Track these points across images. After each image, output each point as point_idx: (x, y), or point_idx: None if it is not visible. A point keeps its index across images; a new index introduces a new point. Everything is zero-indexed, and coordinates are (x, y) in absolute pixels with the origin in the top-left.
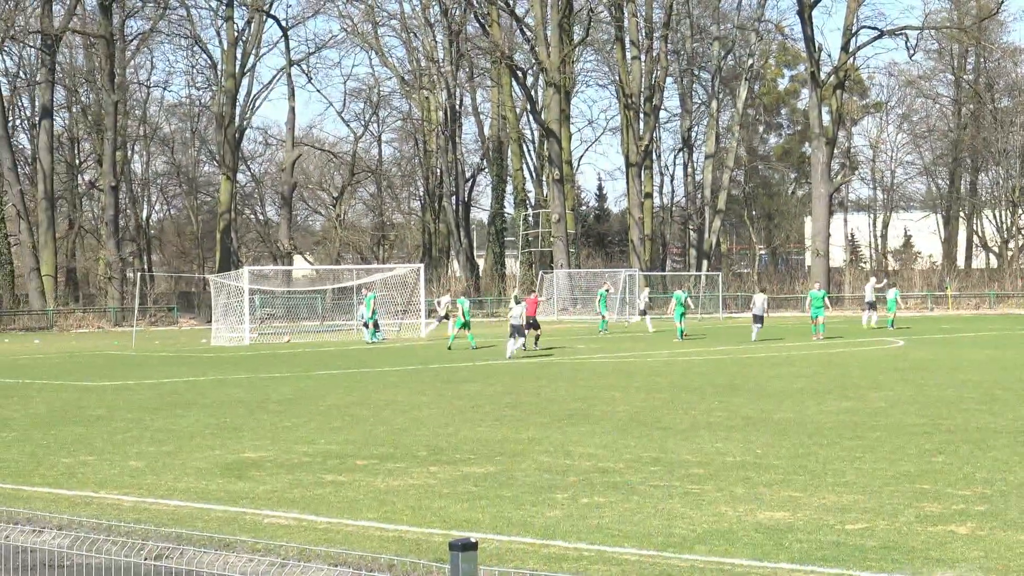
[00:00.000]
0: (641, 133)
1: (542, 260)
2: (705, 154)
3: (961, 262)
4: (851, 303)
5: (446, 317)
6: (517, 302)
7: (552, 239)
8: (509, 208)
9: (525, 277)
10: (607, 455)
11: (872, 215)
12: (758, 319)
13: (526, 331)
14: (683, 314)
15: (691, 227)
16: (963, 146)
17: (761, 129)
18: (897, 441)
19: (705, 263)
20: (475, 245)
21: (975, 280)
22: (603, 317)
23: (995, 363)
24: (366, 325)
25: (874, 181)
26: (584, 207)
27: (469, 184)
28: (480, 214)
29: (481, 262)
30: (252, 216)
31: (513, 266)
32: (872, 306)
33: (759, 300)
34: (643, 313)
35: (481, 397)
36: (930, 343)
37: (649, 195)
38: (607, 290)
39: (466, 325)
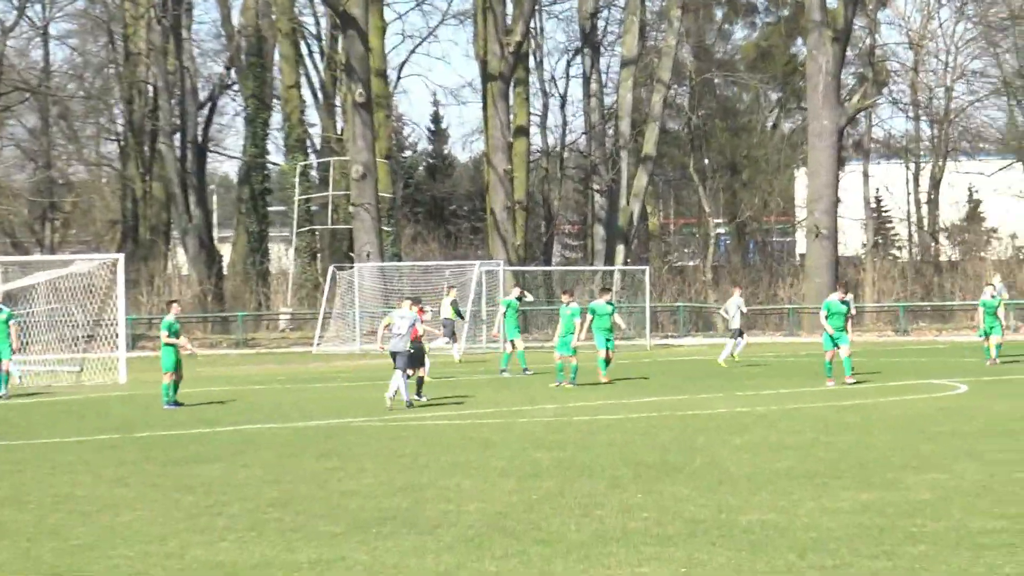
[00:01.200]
0: (509, 21)
1: (335, 246)
2: (622, 59)
3: None
4: (876, 320)
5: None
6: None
7: (352, 209)
8: (276, 155)
9: (304, 275)
10: None
11: (913, 165)
12: (737, 333)
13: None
14: (609, 339)
15: (597, 187)
16: None
17: (719, 15)
18: (956, 561)
19: (621, 250)
20: (216, 220)
21: None
22: (450, 341)
23: None
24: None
25: (916, 107)
26: (410, 152)
27: (206, 113)
28: (225, 166)
29: (227, 250)
30: None
31: (284, 256)
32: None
33: (733, 305)
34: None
35: (227, 488)
36: (1014, 387)
37: (523, 132)
38: (453, 302)
39: None
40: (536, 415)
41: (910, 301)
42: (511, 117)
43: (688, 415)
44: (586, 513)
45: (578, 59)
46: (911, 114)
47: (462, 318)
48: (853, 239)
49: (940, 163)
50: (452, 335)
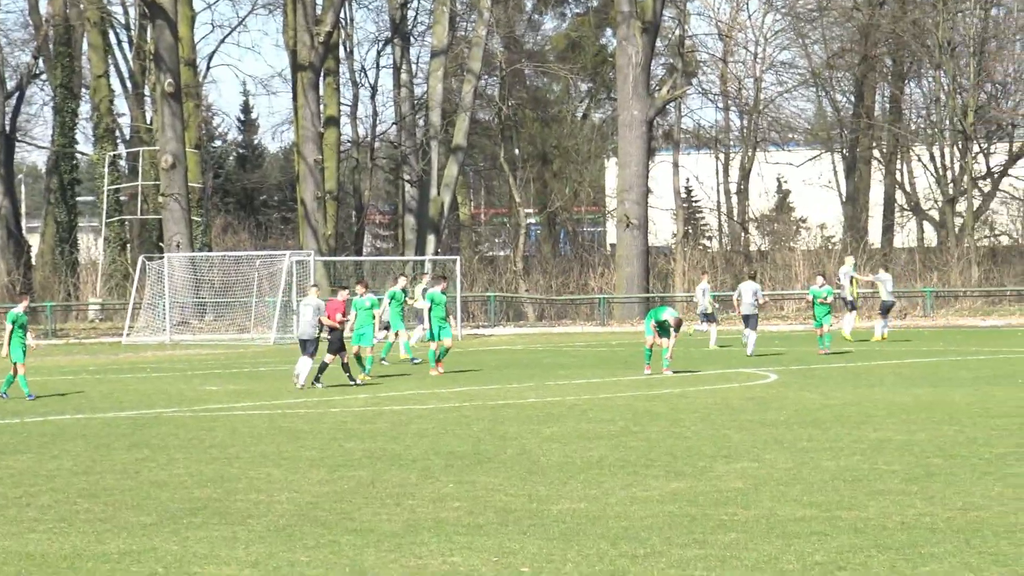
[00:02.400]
0: (319, 11)
1: (145, 236)
2: (432, 49)
3: (875, 237)
4: (686, 310)
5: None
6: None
7: (162, 199)
8: (85, 145)
9: (113, 265)
10: None
11: (723, 156)
12: (710, 318)
13: (324, 353)
14: (444, 327)
15: (407, 178)
16: (878, 35)
17: (529, 6)
18: (767, 548)
19: (432, 240)
20: (24, 210)
21: (900, 268)
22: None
23: (929, 411)
24: None
25: (725, 97)
26: (220, 142)
27: (14, 103)
28: (33, 155)
29: (35, 240)
30: None
31: (93, 247)
32: (853, 305)
33: (699, 290)
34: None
35: (36, 479)
36: (822, 377)
37: (334, 122)
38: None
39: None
40: (347, 405)
41: (720, 291)
42: (321, 107)
43: (499, 405)
44: (398, 503)
45: (388, 49)
46: (720, 105)
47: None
48: (663, 229)
49: (749, 153)
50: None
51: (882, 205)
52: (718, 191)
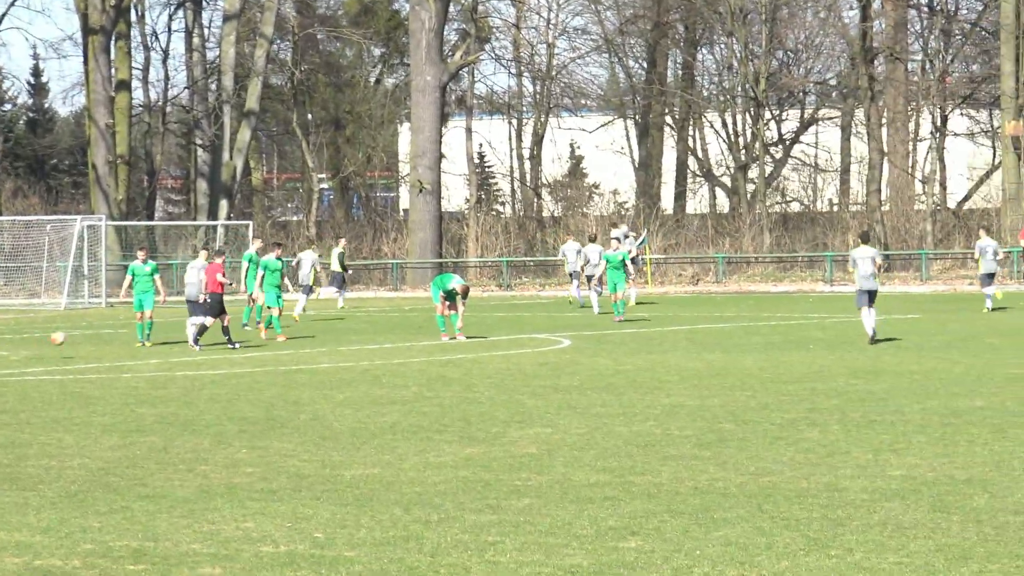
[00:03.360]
0: None
1: None
2: (224, 14)
3: (668, 203)
4: (479, 275)
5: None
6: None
7: None
8: None
9: None
10: (50, 545)
11: (516, 121)
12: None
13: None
14: (279, 296)
15: (199, 142)
16: (671, 2)
17: None
18: (560, 514)
19: (224, 204)
20: None
21: (691, 235)
22: (339, 291)
23: (721, 377)
24: None
25: (518, 63)
26: (10, 106)
27: None
28: None
29: None
30: None
31: None
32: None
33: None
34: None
35: None
36: (615, 342)
37: (126, 86)
38: (340, 254)
39: None
40: (138, 371)
41: (513, 256)
42: (113, 71)
43: (292, 370)
44: (191, 468)
45: (180, 13)
46: (514, 70)
47: (346, 270)
48: (457, 195)
49: (543, 119)
50: (342, 284)
51: (675, 171)
52: (511, 156)
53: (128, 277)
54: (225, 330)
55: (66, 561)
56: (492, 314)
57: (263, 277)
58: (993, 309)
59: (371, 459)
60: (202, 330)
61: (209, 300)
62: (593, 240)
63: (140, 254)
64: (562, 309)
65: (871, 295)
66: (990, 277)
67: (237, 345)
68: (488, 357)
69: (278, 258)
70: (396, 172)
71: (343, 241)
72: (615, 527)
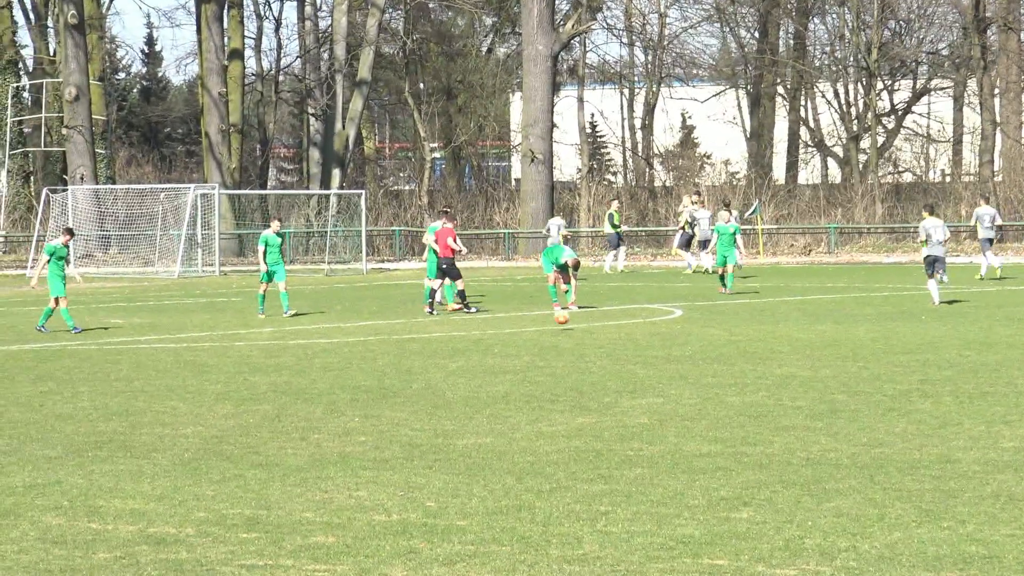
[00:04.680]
0: None
1: (48, 168)
2: None
3: (780, 173)
4: (592, 245)
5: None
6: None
7: (66, 131)
8: None
9: (17, 198)
10: (164, 512)
11: (627, 91)
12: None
13: None
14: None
15: (312, 111)
16: None
17: None
18: (672, 484)
19: (336, 174)
20: None
21: (803, 205)
22: None
23: (834, 347)
24: None
25: (630, 32)
26: (124, 75)
27: None
28: None
29: None
30: None
31: None
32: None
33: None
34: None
35: None
36: (727, 313)
37: (238, 55)
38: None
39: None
40: (252, 339)
41: (625, 226)
42: (226, 40)
43: (404, 339)
44: (303, 437)
45: None
46: (625, 40)
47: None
48: (568, 164)
49: (654, 89)
50: (617, 245)
51: (786, 141)
52: (623, 126)
53: (261, 247)
54: (461, 294)
55: (180, 529)
56: (604, 284)
57: (264, 253)
58: (984, 278)
59: (483, 428)
60: (431, 294)
61: (444, 265)
62: (727, 206)
63: (274, 224)
64: (673, 279)
65: (941, 263)
66: (988, 243)
67: (475, 309)
68: (600, 327)
69: (276, 233)
70: (508, 142)
71: (615, 203)
72: (727, 497)
